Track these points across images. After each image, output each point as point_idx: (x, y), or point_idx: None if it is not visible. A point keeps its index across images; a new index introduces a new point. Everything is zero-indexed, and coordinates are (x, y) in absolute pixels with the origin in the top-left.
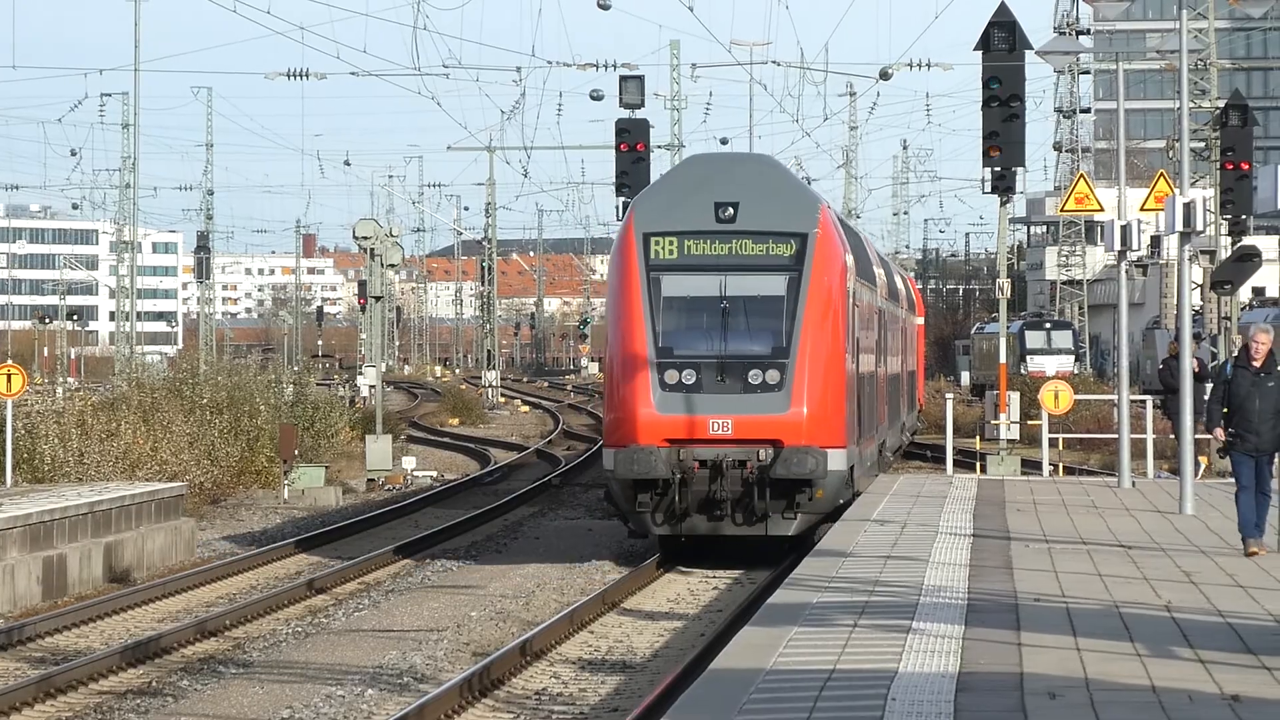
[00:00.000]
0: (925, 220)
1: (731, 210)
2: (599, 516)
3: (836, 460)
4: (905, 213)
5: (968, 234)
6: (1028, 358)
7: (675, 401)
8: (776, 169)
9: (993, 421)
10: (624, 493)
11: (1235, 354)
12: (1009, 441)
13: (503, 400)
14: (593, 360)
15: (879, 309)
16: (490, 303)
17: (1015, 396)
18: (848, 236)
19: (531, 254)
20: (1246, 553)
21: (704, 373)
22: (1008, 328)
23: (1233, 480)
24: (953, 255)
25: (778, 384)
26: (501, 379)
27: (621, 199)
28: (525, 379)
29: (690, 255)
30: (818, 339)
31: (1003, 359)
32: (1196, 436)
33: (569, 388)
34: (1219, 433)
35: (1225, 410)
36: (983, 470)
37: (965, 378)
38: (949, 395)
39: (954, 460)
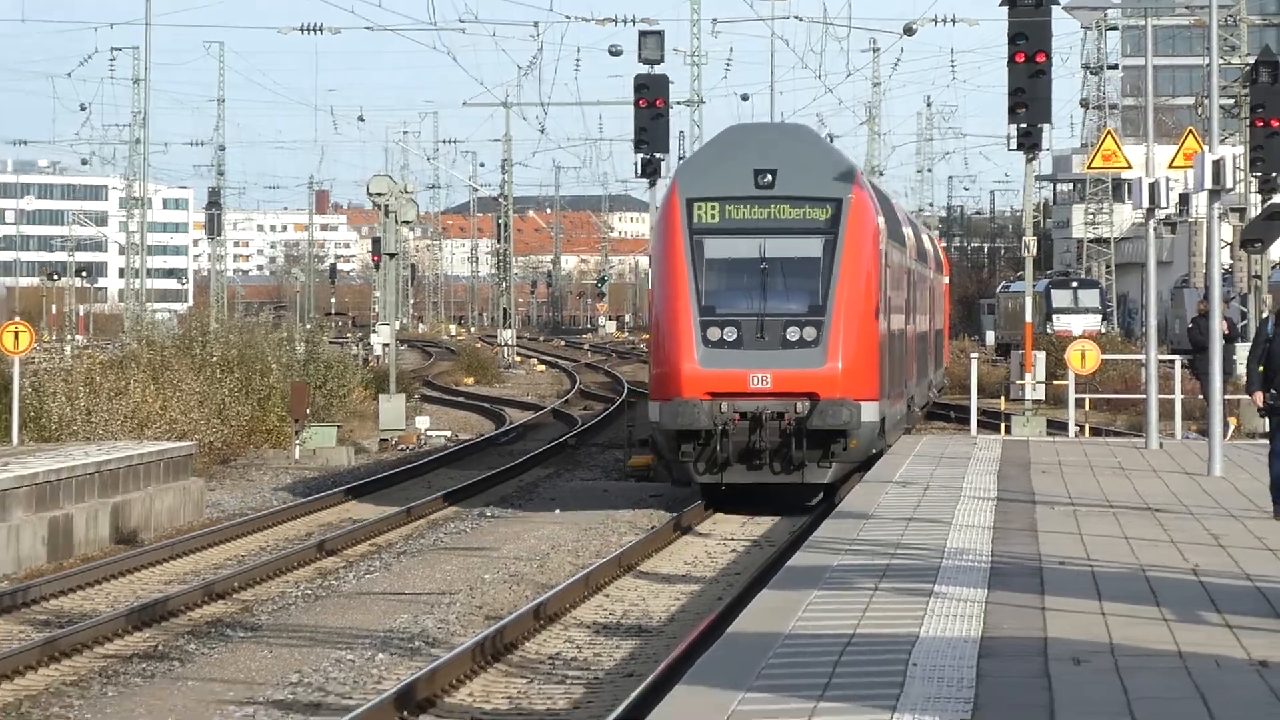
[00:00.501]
0: (950, 178)
1: (770, 177)
2: (615, 478)
3: (869, 412)
4: (929, 170)
5: (993, 191)
6: (1054, 317)
7: (717, 357)
8: (812, 137)
9: (1018, 382)
10: (668, 443)
11: (1276, 312)
12: (1034, 402)
13: (518, 359)
14: (610, 319)
15: (908, 269)
16: (506, 260)
17: (1041, 356)
18: (879, 200)
19: (548, 211)
20: (1277, 515)
21: (744, 330)
22: (1033, 286)
23: (1264, 441)
24: (978, 213)
25: (814, 340)
26: (517, 338)
27: (640, 155)
28: (541, 338)
29: (731, 219)
30: (852, 298)
31: (1028, 318)
32: (1225, 397)
33: (586, 346)
34: (1259, 396)
35: (1264, 370)
36: (1008, 431)
37: (990, 337)
38: (974, 355)
39: (978, 421)
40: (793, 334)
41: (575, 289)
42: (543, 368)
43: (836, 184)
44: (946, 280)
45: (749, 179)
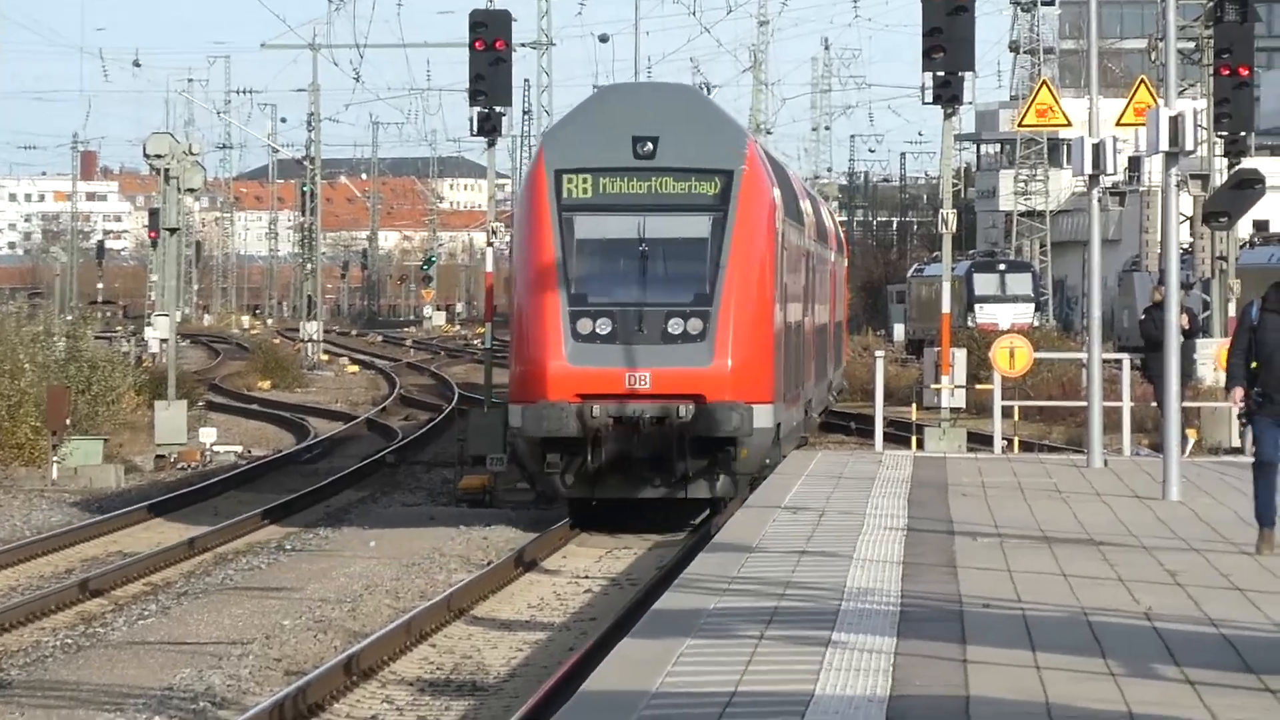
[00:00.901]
0: (852, 137)
1: (650, 145)
2: (444, 502)
3: (763, 417)
4: (827, 128)
5: (904, 154)
6: (977, 307)
7: (589, 353)
8: (699, 100)
9: (933, 386)
10: (531, 452)
11: (1264, 296)
12: (952, 411)
13: (326, 358)
14: (438, 309)
15: (806, 251)
16: (312, 237)
17: (961, 355)
18: (774, 171)
19: (364, 176)
20: (1259, 547)
21: (620, 322)
22: (952, 269)
23: (1230, 458)
24: (885, 180)
25: (700, 334)
26: (325, 332)
27: (476, 109)
28: (354, 332)
29: (606, 194)
30: (744, 286)
31: (946, 308)
32: (1184, 404)
33: (408, 343)
34: (1239, 393)
35: (1252, 366)
36: (920, 446)
37: (899, 331)
38: (879, 353)
39: (885, 434)
40: (676, 327)
41: (396, 272)
42: (355, 369)
43: (726, 154)
44: (845, 263)
45: (626, 148)
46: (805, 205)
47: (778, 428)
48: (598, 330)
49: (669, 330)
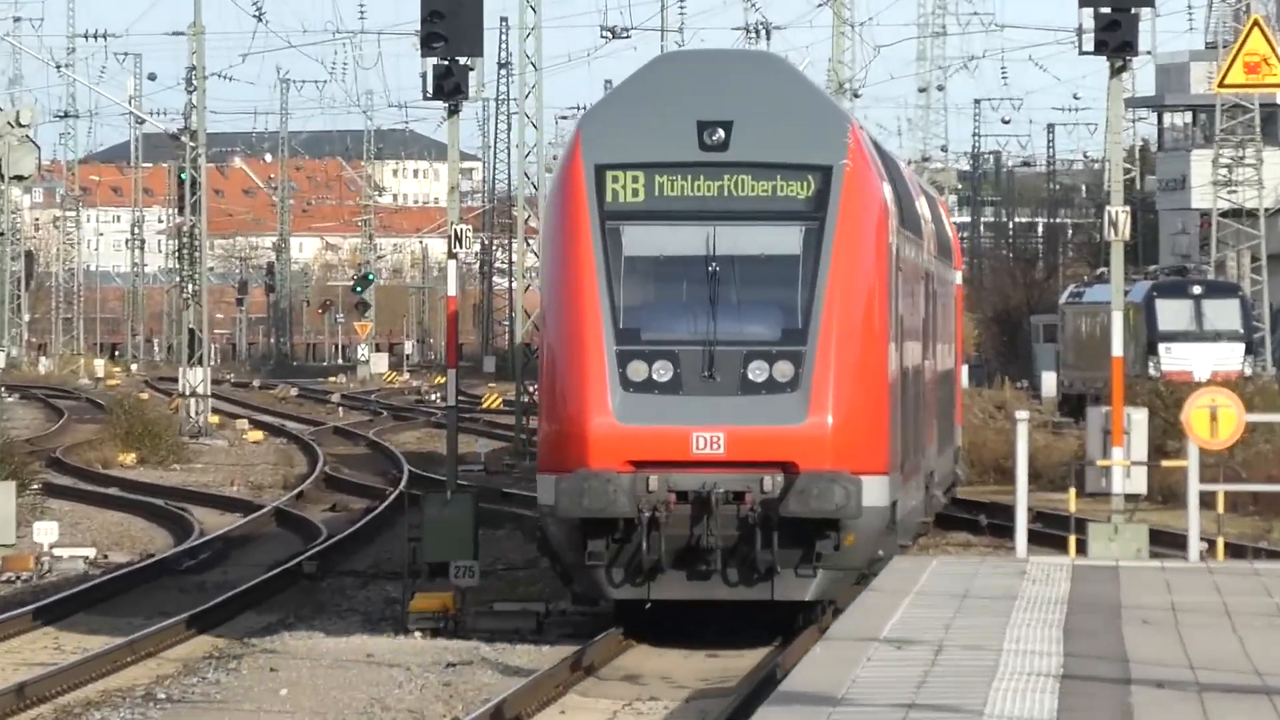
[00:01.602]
0: (976, 102)
1: (722, 133)
2: (388, 632)
3: (876, 491)
4: (940, 88)
5: (1052, 126)
6: (1162, 348)
7: (643, 407)
8: (786, 72)
9: (1100, 462)
10: (567, 538)
11: None
12: (1129, 499)
13: (217, 421)
14: (378, 348)
15: (926, 271)
16: (195, 246)
17: (1140, 417)
18: (884, 165)
19: (269, 158)
20: None
21: (685, 366)
22: (1126, 294)
23: None
24: (1025, 164)
25: (791, 381)
26: (215, 383)
27: (432, 60)
28: (257, 383)
29: (664, 197)
30: (848, 317)
31: (1118, 349)
32: None
33: (335, 398)
34: None
35: None
36: (1081, 550)
37: (1049, 383)
38: (1021, 414)
39: (1030, 532)
40: (758, 372)
41: (317, 296)
42: (259, 436)
43: (823, 144)
44: (958, 279)
45: (690, 136)
46: (922, 207)
47: (893, 507)
48: (655, 377)
49: (749, 377)
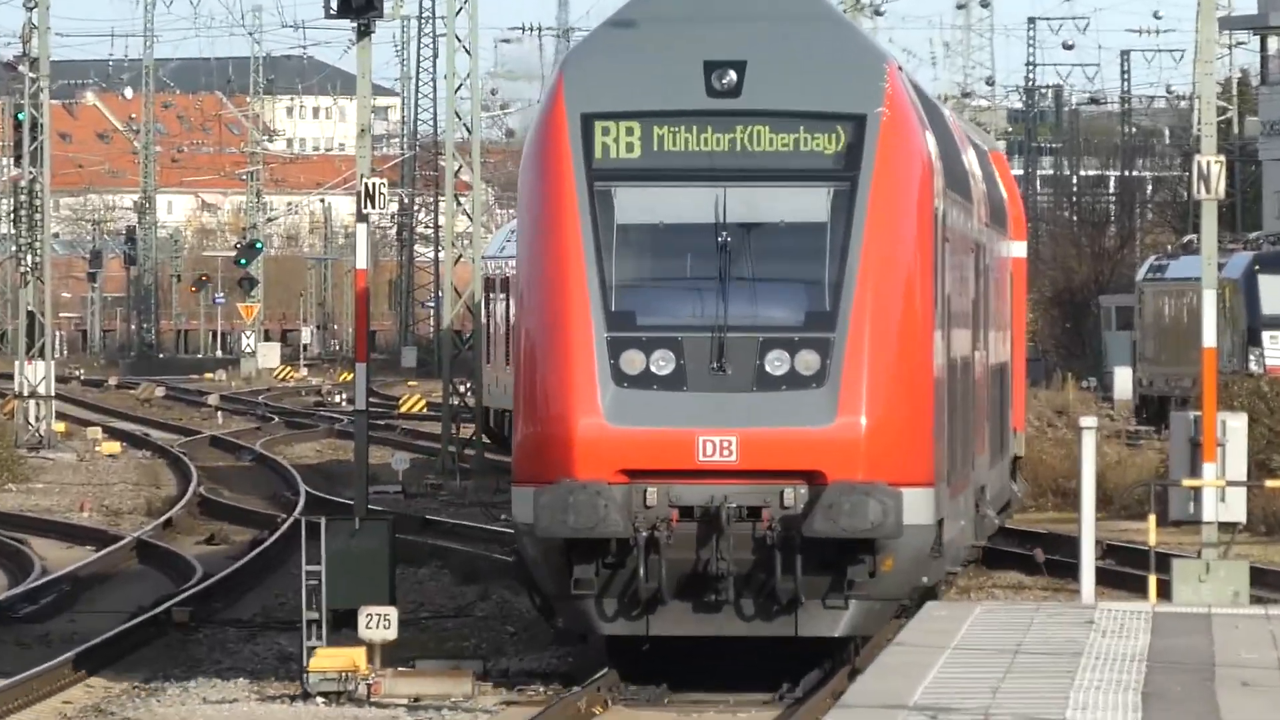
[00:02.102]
0: (1030, 22)
1: (734, 75)
2: (282, 696)
3: (918, 506)
4: (984, 3)
5: (1126, 54)
6: (1266, 335)
7: (640, 406)
8: (810, 2)
9: (1186, 483)
10: (549, 563)
11: None
12: (1224, 529)
13: (63, 429)
14: (269, 338)
15: (976, 244)
16: (36, 204)
17: (1239, 424)
18: (926, 111)
19: (129, 94)
20: None
21: (689, 356)
22: (1220, 268)
23: None
24: (1092, 101)
25: (817, 375)
26: (62, 381)
27: None
28: (114, 379)
29: (664, 153)
30: (886, 298)
31: (1210, 339)
32: None
33: (212, 399)
34: None
35: None
36: (1164, 594)
37: (1122, 380)
38: (1087, 421)
39: (1099, 570)
40: (778, 363)
41: (189, 269)
42: (116, 447)
43: (856, 88)
44: (1020, 251)
45: (697, 78)
46: (970, 162)
47: (939, 526)
48: (653, 369)
49: (767, 369)
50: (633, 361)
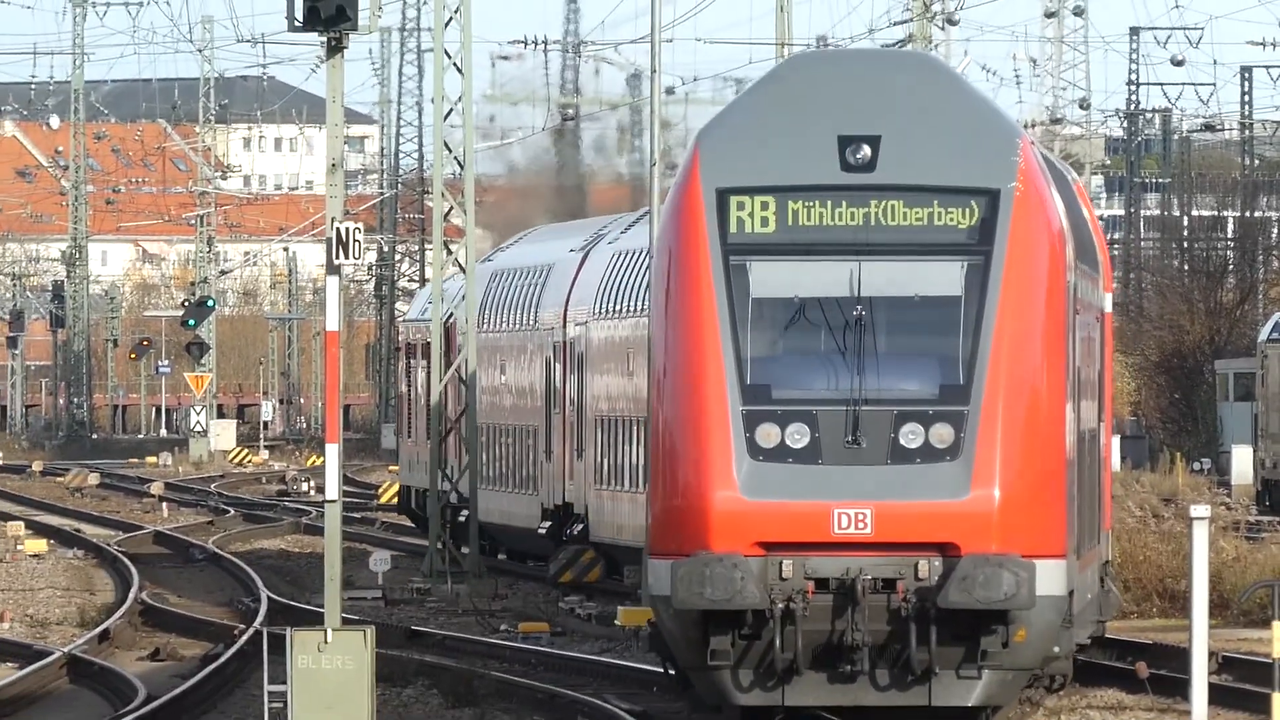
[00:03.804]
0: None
1: (869, 150)
2: None
3: (1050, 579)
4: (1078, 11)
5: (1248, 71)
6: None
7: (775, 479)
8: (943, 74)
9: None
10: (686, 634)
11: None
12: None
13: None
14: (223, 414)
15: (1099, 311)
16: None
17: None
18: (1054, 178)
19: (55, 122)
20: None
21: (825, 429)
22: None
23: None
24: (1207, 128)
25: (951, 448)
26: None
27: None
28: (38, 464)
29: (800, 227)
30: (1020, 371)
31: None
32: None
33: (156, 488)
34: None
35: None
36: None
37: (1241, 461)
38: (1198, 511)
39: (1213, 686)
40: (912, 437)
41: (127, 331)
42: (41, 545)
43: (989, 162)
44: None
45: (831, 154)
46: (1091, 228)
47: (1070, 597)
48: (788, 443)
49: (901, 442)
50: (768, 435)
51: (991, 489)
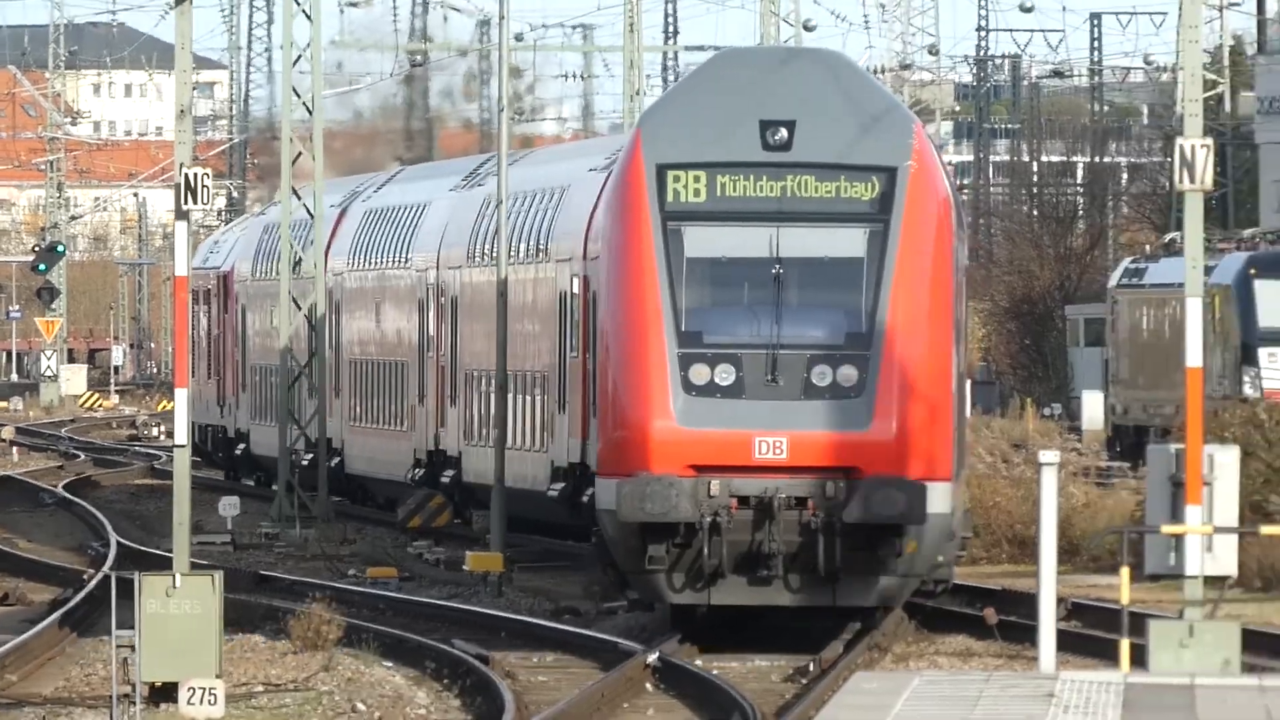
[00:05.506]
0: None
1: (785, 132)
2: None
3: (939, 499)
4: None
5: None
6: (1264, 353)
7: (705, 411)
8: (849, 70)
9: (1166, 529)
10: (627, 542)
11: None
12: (1210, 583)
13: None
14: (73, 359)
15: (965, 267)
16: None
17: (1229, 459)
18: (939, 161)
19: None
20: None
21: (747, 369)
22: (1209, 272)
23: None
24: (1056, 74)
25: (855, 386)
26: None
27: None
28: None
29: (726, 198)
30: (914, 320)
31: (1195, 357)
32: None
33: (4, 432)
34: None
35: None
36: (1139, 662)
37: (1091, 408)
38: (1048, 456)
39: (1061, 633)
40: (822, 376)
41: None
42: None
43: (889, 144)
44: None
45: (753, 136)
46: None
47: (953, 515)
48: (717, 380)
49: (813, 381)
50: (700, 374)
51: (890, 421)
